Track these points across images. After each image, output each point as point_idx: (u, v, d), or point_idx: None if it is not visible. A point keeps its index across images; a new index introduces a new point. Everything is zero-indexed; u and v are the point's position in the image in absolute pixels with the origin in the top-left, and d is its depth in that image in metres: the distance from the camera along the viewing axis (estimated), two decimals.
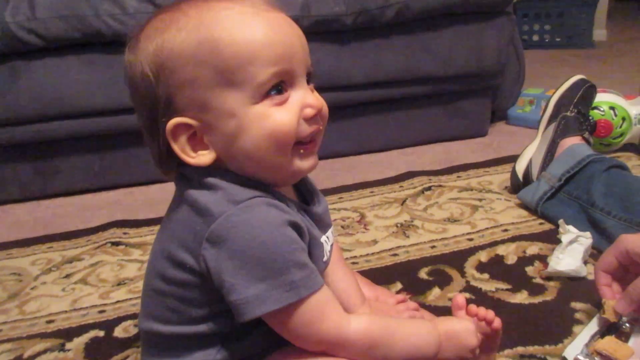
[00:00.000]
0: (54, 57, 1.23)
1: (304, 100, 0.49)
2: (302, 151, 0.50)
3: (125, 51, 0.50)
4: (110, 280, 0.92)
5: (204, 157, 0.49)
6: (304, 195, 0.58)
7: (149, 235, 1.08)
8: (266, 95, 0.47)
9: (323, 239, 0.55)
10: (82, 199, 1.33)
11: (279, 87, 0.48)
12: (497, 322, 0.58)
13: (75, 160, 1.33)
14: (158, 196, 1.29)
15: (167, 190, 0.55)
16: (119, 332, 0.78)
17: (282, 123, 0.48)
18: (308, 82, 0.51)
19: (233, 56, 0.46)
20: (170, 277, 0.51)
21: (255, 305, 0.46)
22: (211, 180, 0.49)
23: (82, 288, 0.90)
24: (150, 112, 0.49)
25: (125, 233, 1.09)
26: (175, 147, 0.48)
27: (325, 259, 0.55)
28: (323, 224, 0.56)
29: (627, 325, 0.68)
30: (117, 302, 0.86)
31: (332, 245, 0.58)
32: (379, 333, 0.51)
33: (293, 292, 0.46)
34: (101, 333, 0.78)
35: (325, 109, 0.52)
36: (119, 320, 0.80)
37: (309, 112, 0.49)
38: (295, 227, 0.49)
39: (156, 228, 1.08)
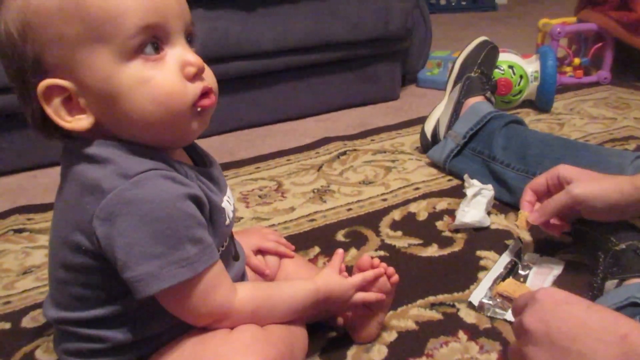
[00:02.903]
0: None
1: (182, 58, 0.46)
2: (199, 109, 0.47)
3: None
4: (15, 270, 0.87)
5: (81, 122, 0.46)
6: (195, 159, 0.56)
7: None
8: (138, 52, 0.44)
9: (224, 203, 0.54)
10: None
11: (155, 44, 0.45)
12: (395, 278, 0.63)
13: None
14: None
15: None
16: (27, 322, 0.74)
17: (164, 85, 0.45)
18: (190, 43, 0.49)
19: (100, 8, 0.43)
20: (70, 264, 0.48)
21: (149, 282, 0.45)
22: (99, 151, 0.46)
23: None
24: (19, 73, 0.45)
25: (29, 219, 1.02)
26: (49, 111, 0.45)
27: (227, 222, 0.54)
28: (221, 185, 0.55)
29: (526, 263, 0.74)
30: (24, 291, 0.81)
31: (234, 205, 0.57)
32: (262, 298, 0.53)
33: (188, 268, 0.46)
34: (7, 325, 0.73)
35: (210, 74, 0.50)
36: (27, 310, 0.76)
37: (190, 70, 0.46)
38: (194, 199, 0.47)
39: None
